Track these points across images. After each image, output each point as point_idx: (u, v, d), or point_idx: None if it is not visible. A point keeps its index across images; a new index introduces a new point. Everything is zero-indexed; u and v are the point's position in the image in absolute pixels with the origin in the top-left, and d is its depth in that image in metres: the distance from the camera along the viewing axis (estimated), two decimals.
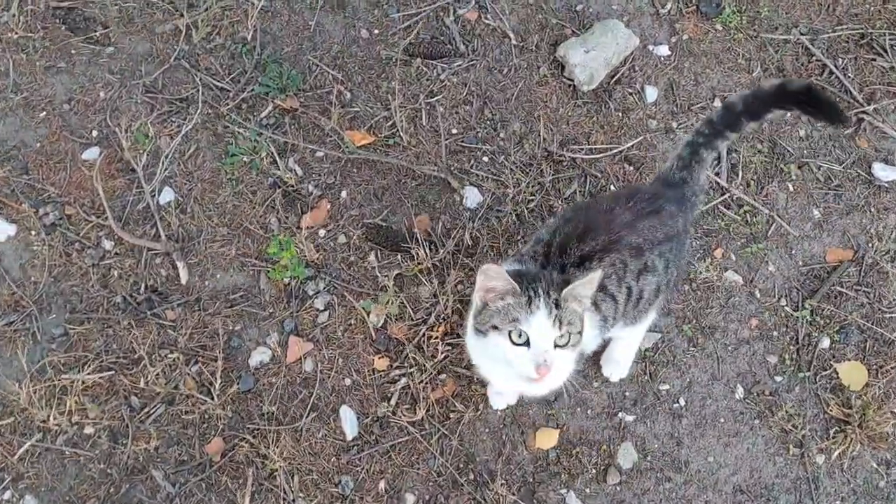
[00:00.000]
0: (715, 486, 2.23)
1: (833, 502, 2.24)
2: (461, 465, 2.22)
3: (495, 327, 1.53)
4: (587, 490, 2.21)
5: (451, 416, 2.25)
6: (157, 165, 2.45)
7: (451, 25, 2.69)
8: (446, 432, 2.24)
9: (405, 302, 2.33)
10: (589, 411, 2.29)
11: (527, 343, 1.50)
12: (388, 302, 2.27)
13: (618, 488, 2.22)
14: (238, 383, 2.26)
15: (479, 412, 2.26)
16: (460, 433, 2.24)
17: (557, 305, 1.50)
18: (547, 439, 2.26)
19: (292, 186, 2.46)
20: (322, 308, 2.34)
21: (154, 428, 2.20)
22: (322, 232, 2.43)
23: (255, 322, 2.32)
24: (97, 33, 2.62)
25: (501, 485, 2.19)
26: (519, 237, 2.44)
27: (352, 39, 2.68)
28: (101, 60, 2.60)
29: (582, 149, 2.57)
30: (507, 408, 2.25)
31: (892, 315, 2.41)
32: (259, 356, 2.29)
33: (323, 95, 2.59)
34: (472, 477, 2.21)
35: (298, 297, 2.35)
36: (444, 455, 2.22)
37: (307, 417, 2.23)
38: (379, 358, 2.30)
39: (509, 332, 1.51)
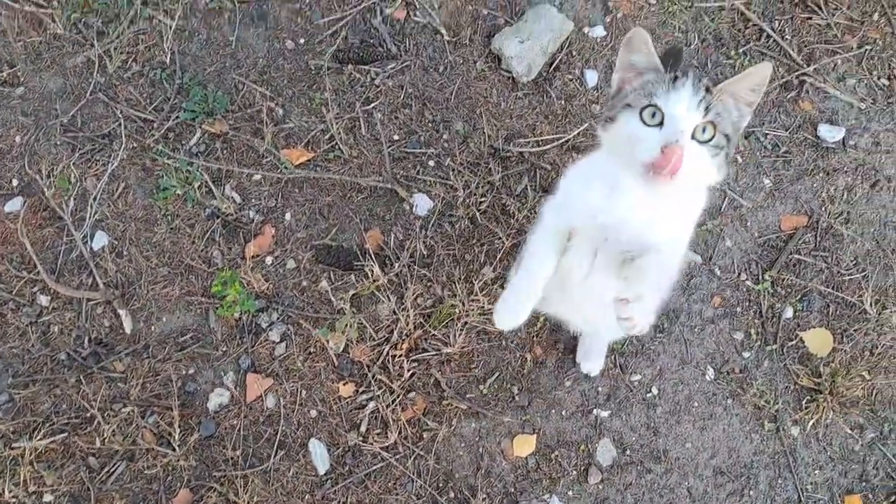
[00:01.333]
0: (695, 471, 2.19)
1: (812, 472, 2.21)
2: (440, 485, 2.14)
3: (628, 105, 1.25)
4: (570, 493, 2.16)
5: (425, 435, 2.17)
6: (85, 209, 2.28)
7: (380, 26, 2.55)
8: (422, 453, 2.15)
9: (364, 323, 2.22)
10: (563, 412, 2.22)
11: (660, 125, 1.22)
12: (345, 326, 2.16)
13: (600, 487, 2.16)
14: (199, 430, 2.13)
15: (453, 427, 2.18)
16: (436, 452, 2.16)
17: (708, 91, 1.23)
18: (525, 446, 2.19)
19: (232, 215, 2.32)
20: (278, 340, 2.22)
21: (117, 488, 2.07)
22: (269, 259, 2.30)
23: (208, 363, 2.20)
24: (4, 73, 2.42)
25: (483, 499, 2.12)
26: (475, 241, 2.34)
27: (277, 52, 2.52)
28: (11, 103, 2.40)
29: (528, 142, 2.47)
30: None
31: (851, 277, 2.38)
32: (217, 399, 2.16)
33: (253, 115, 2.43)
34: (452, 495, 2.13)
35: (252, 331, 2.22)
36: (422, 477, 2.14)
37: (275, 457, 2.12)
38: (344, 384, 2.19)
39: (641, 111, 1.23)
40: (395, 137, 2.45)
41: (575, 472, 2.16)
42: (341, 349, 2.21)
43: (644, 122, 1.23)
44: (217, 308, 2.21)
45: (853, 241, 2.42)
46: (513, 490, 2.14)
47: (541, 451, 2.18)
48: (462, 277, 2.28)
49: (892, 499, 2.19)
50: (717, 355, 2.29)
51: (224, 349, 2.20)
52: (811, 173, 2.49)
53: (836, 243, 2.42)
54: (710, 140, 1.23)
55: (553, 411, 2.21)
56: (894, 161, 2.52)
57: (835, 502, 2.19)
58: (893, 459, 2.24)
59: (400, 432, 2.15)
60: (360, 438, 2.13)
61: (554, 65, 2.55)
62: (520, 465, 2.16)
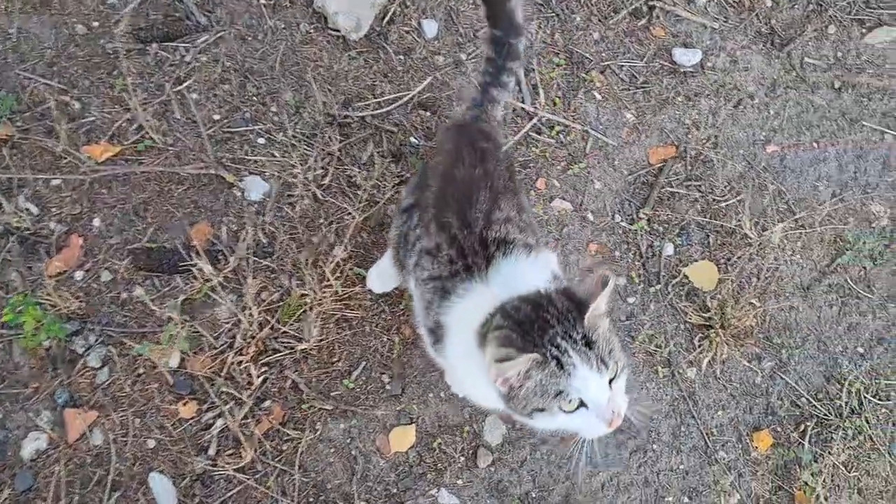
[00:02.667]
0: None
1: (714, 414, 2.03)
2: (311, 500, 1.84)
3: (540, 409, 1.20)
4: (459, 482, 1.89)
5: (286, 447, 1.86)
6: None
7: None
8: (284, 468, 1.85)
9: (200, 330, 1.89)
10: (442, 394, 1.96)
11: (581, 404, 1.19)
12: (170, 337, 1.83)
13: (492, 469, 1.91)
14: (13, 484, 1.76)
15: (319, 432, 1.88)
16: (301, 464, 1.86)
17: (589, 344, 1.18)
18: (403, 439, 1.91)
19: (28, 229, 1.95)
20: (99, 365, 1.87)
21: None
22: (79, 274, 1.94)
23: (18, 404, 1.82)
24: None
25: None
26: (321, 221, 2.05)
27: (67, 39, 2.16)
28: None
29: (369, 104, 2.20)
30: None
31: (727, 203, 2.22)
32: (33, 444, 1.79)
33: (45, 112, 2.06)
34: None
35: (66, 359, 1.86)
36: (288, 494, 1.83)
37: (110, 501, 1.77)
38: (183, 405, 1.86)
39: (558, 408, 1.19)
40: (216, 117, 2.13)
41: (463, 458, 1.90)
42: (175, 365, 1.88)
43: (567, 412, 1.19)
44: (20, 339, 1.83)
45: (724, 164, 2.26)
46: (395, 490, 1.86)
47: (422, 441, 1.91)
48: (310, 262, 1.99)
49: (803, 427, 2.03)
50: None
51: (35, 385, 1.83)
52: (673, 101, 2.32)
53: (707, 170, 2.26)
54: (618, 372, 1.21)
55: (430, 395, 1.95)
56: (754, 78, 2.38)
57: (743, 441, 2.01)
58: (797, 386, 2.08)
59: (256, 448, 1.84)
60: (210, 463, 1.81)
61: (387, 18, 2.29)
62: (400, 461, 1.89)
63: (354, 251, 2.03)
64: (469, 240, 1.40)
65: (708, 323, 2.07)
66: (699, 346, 2.05)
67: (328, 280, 1.96)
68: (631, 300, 2.09)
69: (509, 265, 1.39)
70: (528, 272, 1.38)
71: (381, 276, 1.93)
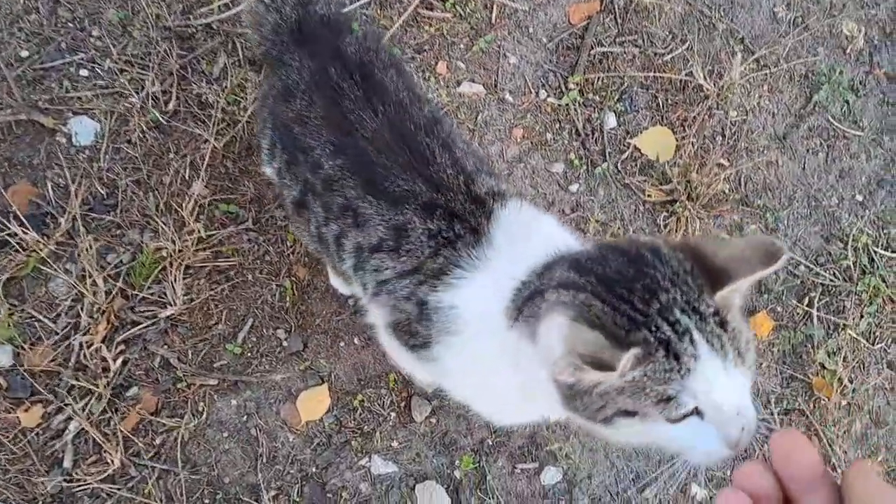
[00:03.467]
0: None
1: None
2: (207, 500, 1.41)
3: (628, 413, 0.76)
4: (394, 443, 1.48)
5: (164, 440, 1.43)
6: None
7: None
8: (165, 466, 1.42)
9: (34, 314, 1.45)
10: (355, 339, 1.54)
11: (696, 411, 0.75)
12: None
13: (433, 421, 1.50)
14: None
15: (205, 415, 1.46)
16: (187, 458, 1.43)
17: (723, 325, 0.75)
18: (314, 405, 1.49)
19: None
20: None
21: None
22: None
23: None
24: None
25: (273, 497, 1.41)
26: (172, 155, 1.61)
27: None
28: None
29: (213, 8, 1.75)
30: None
31: (672, 53, 1.80)
32: None
33: None
34: None
35: None
36: (176, 499, 1.40)
37: None
38: (25, 411, 1.43)
39: (659, 413, 0.75)
40: (24, 54, 1.67)
41: (394, 414, 1.48)
42: (7, 363, 1.44)
43: (671, 420, 0.76)
44: None
45: (660, 9, 1.84)
46: (314, 469, 1.44)
47: (339, 402, 1.49)
48: (163, 207, 1.55)
49: (807, 300, 1.63)
50: (540, 200, 1.66)
51: None
52: None
53: (641, 20, 1.83)
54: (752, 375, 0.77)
55: (342, 344, 1.52)
56: None
57: None
58: (791, 254, 1.68)
59: (125, 450, 1.40)
60: (66, 477, 1.38)
61: None
62: (315, 432, 1.47)
63: (217, 184, 1.59)
64: (456, 200, 1.00)
65: (671, 197, 1.66)
66: (665, 226, 1.64)
67: (189, 224, 1.52)
68: (574, 188, 1.68)
69: (515, 220, 1.00)
70: (542, 227, 1.02)
71: None
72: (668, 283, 0.75)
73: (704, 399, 0.72)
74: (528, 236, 0.99)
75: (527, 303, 0.85)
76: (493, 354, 0.91)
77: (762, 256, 0.75)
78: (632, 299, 0.74)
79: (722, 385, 0.72)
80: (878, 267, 1.65)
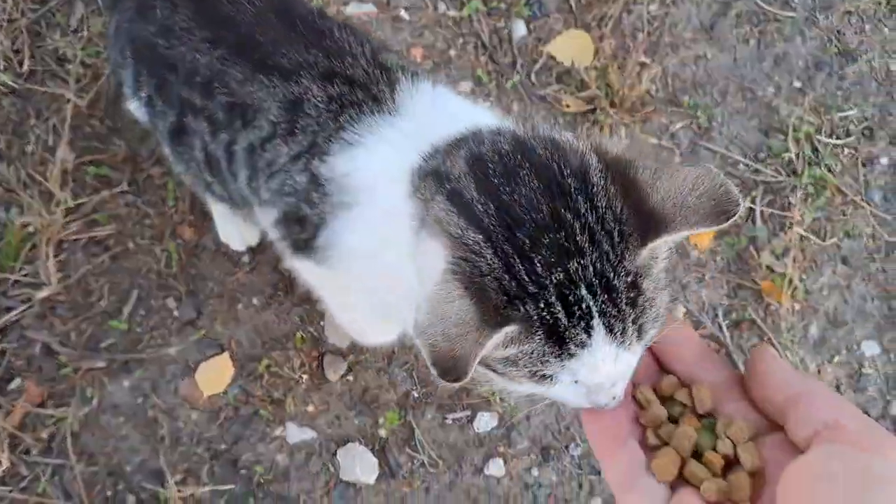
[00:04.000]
0: None
1: None
2: (108, 492, 1.28)
3: (497, 371, 0.65)
4: (309, 408, 1.35)
5: (54, 433, 1.29)
6: None
7: None
8: (58, 461, 1.29)
9: None
10: (255, 300, 1.39)
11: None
12: None
13: (350, 379, 1.36)
14: None
15: (96, 401, 1.32)
16: (81, 449, 1.30)
17: (634, 302, 0.60)
18: (216, 376, 1.35)
19: None
20: None
21: None
22: None
23: None
24: None
25: (178, 482, 1.28)
26: (32, 121, 1.44)
27: None
28: None
29: None
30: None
31: None
32: None
33: None
34: (132, 498, 1.28)
35: None
36: (74, 495, 1.27)
37: None
38: None
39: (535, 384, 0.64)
40: None
41: (306, 376, 1.34)
42: None
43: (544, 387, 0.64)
44: None
45: None
46: (223, 446, 1.31)
47: (243, 370, 1.35)
48: (27, 179, 1.38)
49: (749, 201, 1.49)
50: None
51: None
52: None
53: None
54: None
55: (239, 306, 1.38)
56: None
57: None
58: (728, 153, 1.54)
59: (13, 448, 1.26)
60: None
61: None
62: (220, 405, 1.33)
63: (84, 146, 1.42)
64: (358, 66, 0.86)
65: (592, 105, 1.50)
66: (588, 137, 1.47)
67: (57, 194, 1.36)
68: (485, 106, 1.50)
69: (427, 92, 0.86)
70: (459, 107, 0.88)
71: (233, 222, 1.33)
72: (587, 240, 0.58)
73: (583, 377, 0.60)
74: (442, 109, 0.86)
75: (425, 179, 0.69)
76: (388, 231, 0.75)
77: (711, 209, 0.59)
78: (532, 259, 0.57)
79: (607, 366, 0.59)
80: (822, 157, 1.51)
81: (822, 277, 1.47)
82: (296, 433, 1.33)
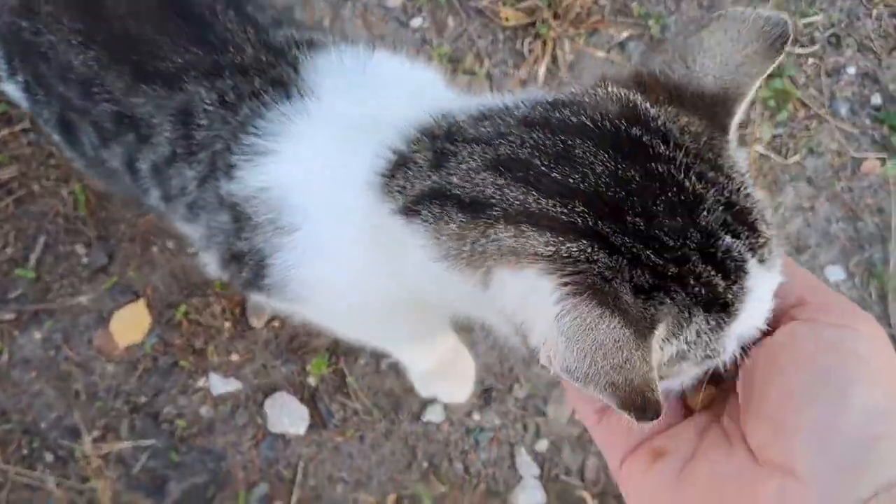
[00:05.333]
0: None
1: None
2: (25, 453, 1.21)
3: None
4: (233, 356, 1.28)
5: None
6: None
7: None
8: None
9: None
10: (169, 243, 1.29)
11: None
12: None
13: (275, 324, 1.28)
14: None
15: (5, 355, 1.24)
16: None
17: (762, 212, 0.48)
18: (132, 325, 1.27)
19: None
20: None
21: None
22: None
23: None
24: None
25: (97, 438, 1.21)
26: None
27: None
28: None
29: None
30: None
31: None
32: None
33: None
34: (48, 457, 1.21)
35: None
36: None
37: None
38: None
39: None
40: None
41: (228, 323, 1.26)
42: None
43: None
44: None
45: None
46: (143, 399, 1.24)
47: (161, 318, 1.26)
48: None
49: None
50: (379, 43, 1.36)
51: None
52: None
53: None
54: None
55: (154, 249, 1.28)
56: None
57: None
58: None
59: None
60: None
61: None
62: (137, 356, 1.25)
63: None
64: (244, 54, 0.72)
65: (532, 18, 1.37)
66: (530, 51, 1.35)
67: None
68: (417, 23, 1.39)
69: (349, 63, 0.72)
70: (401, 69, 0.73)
71: None
72: (695, 179, 0.46)
73: (750, 322, 0.48)
74: (383, 83, 0.72)
75: (426, 199, 0.52)
76: (353, 252, 0.62)
77: (764, 50, 0.49)
78: (658, 236, 0.44)
79: (766, 295, 0.47)
80: (784, 67, 1.38)
81: (783, 199, 1.37)
82: (220, 384, 1.25)
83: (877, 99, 1.43)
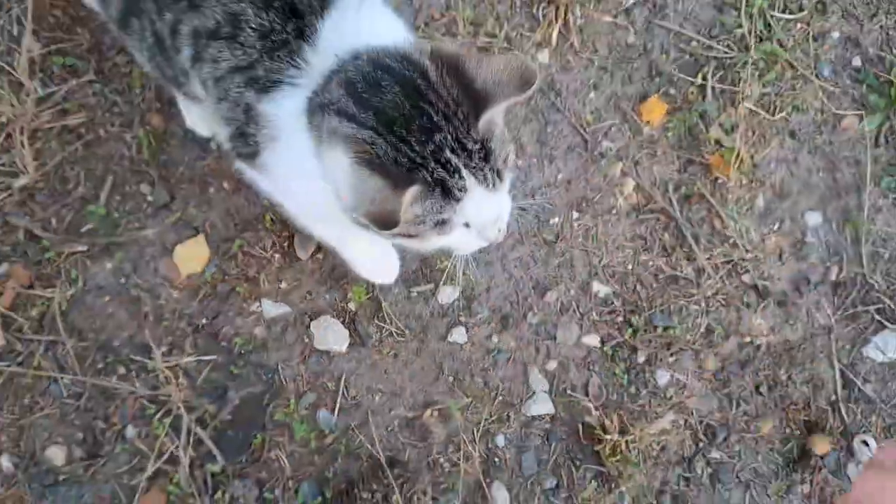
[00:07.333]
0: None
1: (586, 97, 1.54)
2: (100, 364, 1.41)
3: (409, 235, 0.89)
4: (282, 285, 1.45)
5: (43, 312, 1.40)
6: None
7: None
8: (51, 338, 1.39)
9: None
10: (225, 184, 1.46)
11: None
12: None
13: (319, 256, 1.46)
14: None
15: (80, 282, 1.41)
16: (71, 326, 1.40)
17: (487, 156, 0.85)
18: (193, 257, 1.44)
19: None
20: None
21: None
22: None
23: None
24: None
25: (164, 353, 1.40)
26: None
27: None
28: None
29: None
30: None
31: None
32: None
33: None
34: (122, 370, 1.40)
35: None
36: (68, 368, 1.39)
37: None
38: None
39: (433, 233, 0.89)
40: None
41: (278, 255, 1.44)
42: None
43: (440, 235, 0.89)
44: None
45: None
46: (204, 320, 1.42)
47: (218, 251, 1.44)
48: None
49: (700, 77, 1.54)
50: (405, 7, 1.53)
51: None
52: None
53: None
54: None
55: (211, 190, 1.45)
56: None
57: (629, 120, 1.54)
58: (682, 30, 1.57)
59: (6, 327, 1.37)
60: None
61: None
62: (198, 284, 1.43)
63: (50, 37, 1.45)
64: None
65: None
66: (544, 17, 1.51)
67: (27, 87, 1.40)
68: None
69: (339, 21, 0.91)
70: (372, 24, 0.95)
71: (198, 109, 1.37)
72: (442, 119, 0.81)
73: (471, 217, 0.87)
74: (347, 33, 0.92)
75: (314, 112, 0.87)
76: (303, 157, 0.89)
77: (517, 81, 0.82)
78: (410, 140, 0.80)
79: (485, 206, 0.87)
80: (774, 32, 1.55)
81: (769, 151, 1.54)
82: (271, 308, 1.43)
83: (857, 61, 1.60)
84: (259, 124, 0.94)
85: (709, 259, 1.47)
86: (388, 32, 0.94)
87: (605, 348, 1.46)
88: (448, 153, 0.81)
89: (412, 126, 0.80)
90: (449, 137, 0.81)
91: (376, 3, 0.98)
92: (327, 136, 0.83)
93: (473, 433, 1.40)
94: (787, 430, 1.46)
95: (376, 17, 0.97)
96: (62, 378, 1.37)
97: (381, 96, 0.81)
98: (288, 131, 0.91)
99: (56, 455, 1.35)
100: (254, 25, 0.90)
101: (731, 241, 1.49)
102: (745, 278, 1.49)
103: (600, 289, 1.48)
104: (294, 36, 0.91)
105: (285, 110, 0.91)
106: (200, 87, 1.02)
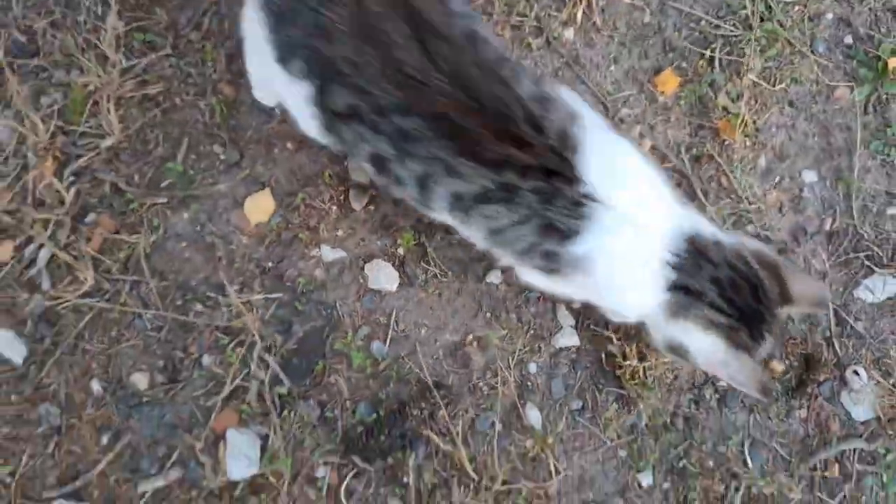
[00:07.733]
0: None
1: (606, 70, 1.73)
2: (179, 301, 1.59)
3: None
4: (339, 232, 1.63)
5: (129, 255, 1.58)
6: None
7: None
8: (135, 278, 1.58)
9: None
10: (289, 144, 1.65)
11: None
12: None
13: (372, 208, 1.65)
14: None
15: (162, 230, 1.60)
16: (154, 268, 1.59)
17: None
18: (260, 208, 1.63)
19: None
20: None
21: None
22: None
23: None
24: None
25: (237, 290, 1.58)
26: None
27: None
28: None
29: None
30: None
31: None
32: None
33: None
34: (199, 307, 1.59)
35: None
36: (151, 304, 1.58)
37: None
38: None
39: None
40: None
41: (335, 207, 1.63)
42: None
43: None
44: None
45: None
46: (270, 264, 1.61)
47: (282, 203, 1.63)
48: (83, 45, 1.62)
49: (709, 53, 1.73)
50: None
51: None
52: None
53: None
54: None
55: (276, 150, 1.64)
56: None
57: (645, 91, 1.73)
58: (693, 10, 1.76)
59: (95, 268, 1.56)
60: (48, 299, 1.54)
61: None
62: (265, 231, 1.62)
63: (130, 15, 1.65)
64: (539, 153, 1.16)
65: None
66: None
67: (111, 58, 1.60)
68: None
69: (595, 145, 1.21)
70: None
71: (267, 85, 1.53)
72: (766, 298, 1.20)
73: None
74: (617, 171, 1.23)
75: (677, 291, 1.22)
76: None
77: (814, 300, 1.25)
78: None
79: None
80: (774, 13, 1.74)
81: (770, 117, 1.73)
82: (329, 253, 1.62)
83: (849, 39, 1.79)
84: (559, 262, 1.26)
85: (717, 211, 1.66)
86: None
87: None
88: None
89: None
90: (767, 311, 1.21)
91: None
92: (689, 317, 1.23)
93: (509, 361, 1.58)
94: (787, 362, 1.64)
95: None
96: (145, 313, 1.56)
97: (728, 290, 1.19)
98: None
99: (140, 380, 1.54)
100: (525, 189, 1.22)
101: (737, 195, 1.67)
102: (749, 228, 1.67)
103: None
104: (565, 185, 1.20)
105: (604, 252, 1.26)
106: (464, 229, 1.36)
